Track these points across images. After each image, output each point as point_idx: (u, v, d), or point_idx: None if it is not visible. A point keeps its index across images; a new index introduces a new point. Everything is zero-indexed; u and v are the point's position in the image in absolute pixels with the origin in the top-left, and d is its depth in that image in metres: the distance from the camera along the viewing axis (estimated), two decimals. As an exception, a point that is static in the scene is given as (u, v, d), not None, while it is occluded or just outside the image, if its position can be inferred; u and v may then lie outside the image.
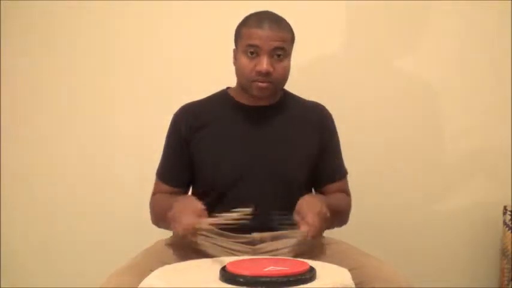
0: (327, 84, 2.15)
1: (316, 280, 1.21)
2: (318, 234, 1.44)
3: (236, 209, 1.40)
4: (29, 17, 2.24)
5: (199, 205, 1.44)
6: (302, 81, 1.92)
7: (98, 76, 2.25)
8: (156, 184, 1.73)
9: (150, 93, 2.22)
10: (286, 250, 1.54)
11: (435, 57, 2.18)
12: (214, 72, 2.03)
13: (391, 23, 2.20)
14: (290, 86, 1.73)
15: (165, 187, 1.71)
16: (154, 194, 1.73)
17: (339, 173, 1.74)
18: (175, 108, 1.73)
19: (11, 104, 2.27)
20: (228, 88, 1.75)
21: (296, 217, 1.44)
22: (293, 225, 1.43)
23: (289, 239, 1.53)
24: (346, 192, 1.75)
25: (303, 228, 1.40)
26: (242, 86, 1.66)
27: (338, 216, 1.63)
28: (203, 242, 1.54)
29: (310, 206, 1.46)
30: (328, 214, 1.47)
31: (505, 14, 2.14)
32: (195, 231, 1.40)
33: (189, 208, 1.43)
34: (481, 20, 2.16)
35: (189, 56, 2.20)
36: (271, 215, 1.46)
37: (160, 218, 1.64)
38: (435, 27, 2.18)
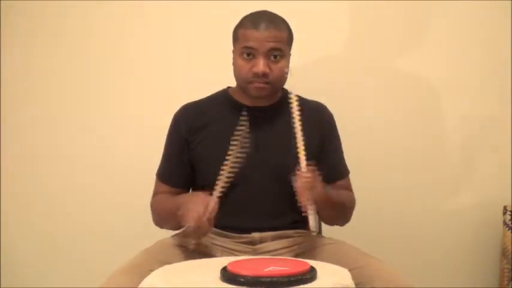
0: (328, 85, 2.15)
1: (316, 280, 1.21)
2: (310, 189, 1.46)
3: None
4: (29, 17, 2.24)
5: (204, 195, 1.46)
6: (303, 81, 1.91)
7: (98, 76, 2.24)
8: (156, 185, 1.73)
9: (150, 93, 2.22)
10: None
11: (436, 57, 2.18)
12: (215, 72, 2.02)
13: (392, 23, 2.19)
14: (291, 86, 1.72)
15: (165, 187, 1.70)
16: (154, 194, 1.72)
17: (340, 172, 1.74)
18: (176, 108, 1.73)
19: (11, 103, 2.26)
20: (228, 88, 1.75)
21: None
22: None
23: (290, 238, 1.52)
24: (349, 190, 1.74)
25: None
26: (240, 87, 1.66)
27: (340, 206, 1.63)
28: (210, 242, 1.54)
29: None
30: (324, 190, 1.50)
31: (505, 14, 2.14)
32: (207, 221, 1.42)
33: (195, 199, 1.46)
34: (481, 20, 2.16)
35: (189, 55, 2.20)
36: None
37: (163, 218, 1.65)
38: (436, 27, 2.17)
